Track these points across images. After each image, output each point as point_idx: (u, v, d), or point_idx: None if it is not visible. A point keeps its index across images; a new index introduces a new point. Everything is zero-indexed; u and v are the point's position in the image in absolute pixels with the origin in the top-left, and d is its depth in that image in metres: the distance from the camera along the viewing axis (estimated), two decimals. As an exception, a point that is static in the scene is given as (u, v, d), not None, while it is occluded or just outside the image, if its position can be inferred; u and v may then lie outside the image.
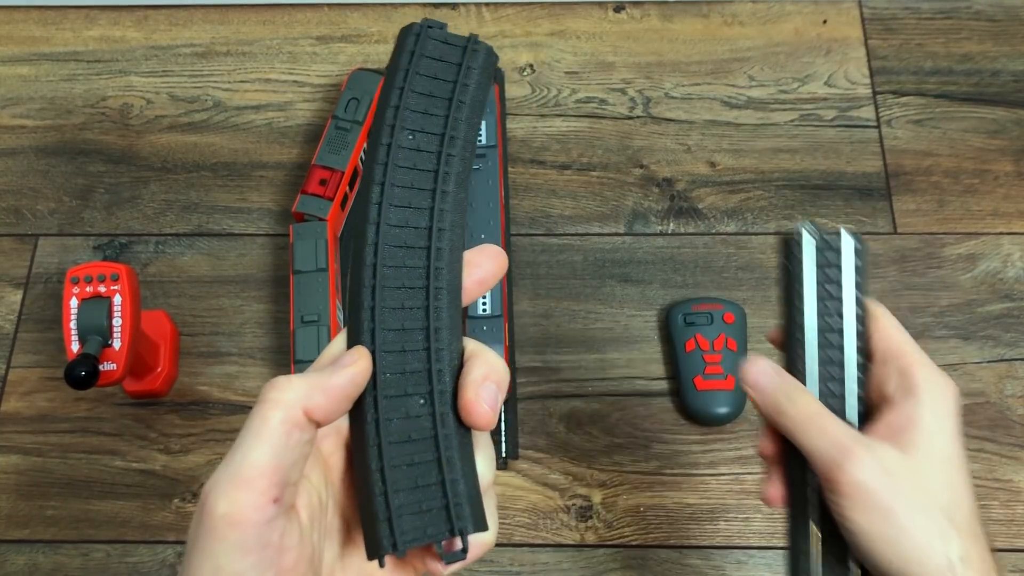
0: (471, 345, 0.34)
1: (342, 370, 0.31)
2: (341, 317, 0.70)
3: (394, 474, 0.31)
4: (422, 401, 0.32)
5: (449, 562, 0.31)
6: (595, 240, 0.77)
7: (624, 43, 0.86)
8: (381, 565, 0.31)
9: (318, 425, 0.31)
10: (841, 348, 0.39)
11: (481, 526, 0.32)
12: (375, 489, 0.31)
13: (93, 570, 0.66)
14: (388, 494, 0.31)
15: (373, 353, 0.33)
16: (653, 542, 0.67)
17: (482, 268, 0.35)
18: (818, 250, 0.40)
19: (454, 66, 0.35)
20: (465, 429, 0.33)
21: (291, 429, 0.30)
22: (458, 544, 0.31)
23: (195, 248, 0.77)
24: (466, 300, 0.35)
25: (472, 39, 0.36)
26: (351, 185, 0.74)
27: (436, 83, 0.35)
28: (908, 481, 0.36)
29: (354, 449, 0.33)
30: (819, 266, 0.40)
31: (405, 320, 0.33)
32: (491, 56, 0.36)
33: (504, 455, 0.69)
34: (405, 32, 0.36)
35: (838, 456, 0.36)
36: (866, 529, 0.35)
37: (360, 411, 0.33)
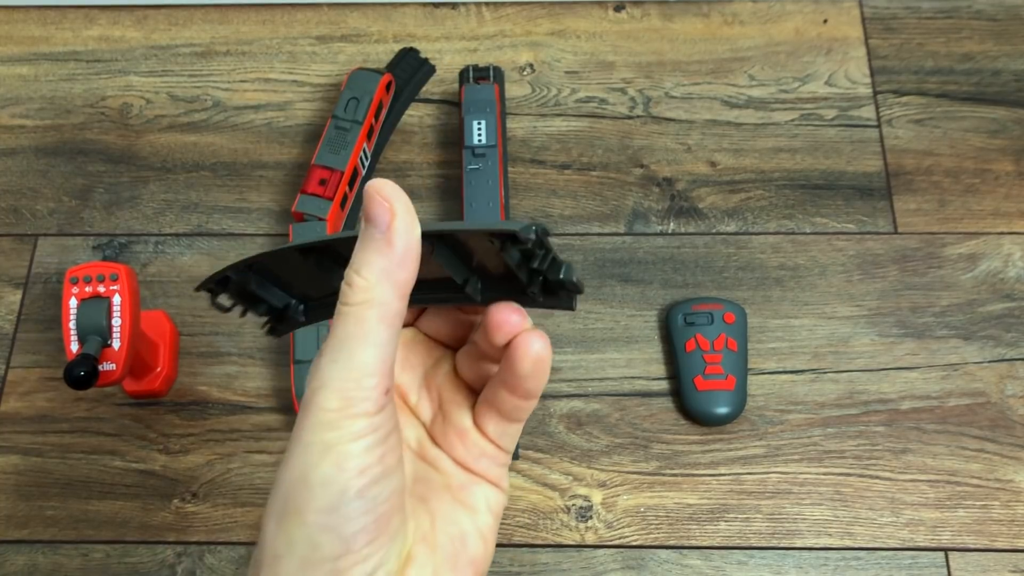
0: None
1: (395, 226, 0.30)
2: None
3: None
4: None
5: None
6: (595, 240, 0.77)
7: (624, 43, 0.86)
8: None
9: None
10: None
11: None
12: None
13: (93, 570, 0.66)
14: None
15: None
16: (653, 542, 0.67)
17: None
18: None
19: None
20: None
21: (390, 324, 0.30)
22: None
23: (195, 248, 0.77)
24: None
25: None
26: (351, 185, 0.74)
27: None
28: None
29: None
30: None
31: None
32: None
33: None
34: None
35: None
36: None
37: None
